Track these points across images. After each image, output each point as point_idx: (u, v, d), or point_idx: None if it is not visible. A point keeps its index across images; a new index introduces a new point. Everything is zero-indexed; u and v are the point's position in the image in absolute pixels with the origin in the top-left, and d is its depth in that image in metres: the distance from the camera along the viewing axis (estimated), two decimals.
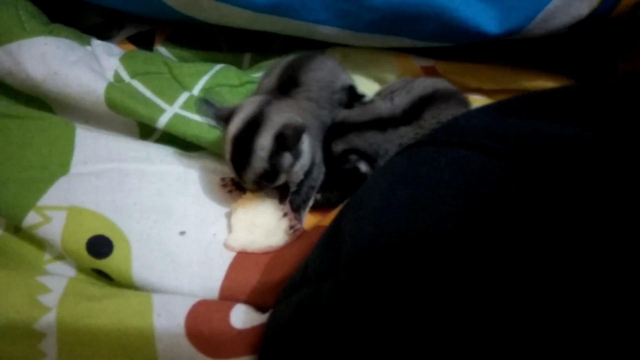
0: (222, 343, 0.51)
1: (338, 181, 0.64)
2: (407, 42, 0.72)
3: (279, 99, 0.59)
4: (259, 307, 0.55)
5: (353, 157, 0.61)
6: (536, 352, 0.27)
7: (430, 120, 0.62)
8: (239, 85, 0.74)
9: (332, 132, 0.64)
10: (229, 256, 0.60)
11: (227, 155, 0.57)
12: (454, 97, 0.65)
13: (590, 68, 0.81)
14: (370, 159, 0.61)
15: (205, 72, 0.74)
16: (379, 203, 0.39)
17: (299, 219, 0.61)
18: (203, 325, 0.52)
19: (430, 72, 0.76)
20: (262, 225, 0.61)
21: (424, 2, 0.64)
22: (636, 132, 0.34)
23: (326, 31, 0.71)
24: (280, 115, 0.57)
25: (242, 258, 0.60)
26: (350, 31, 0.70)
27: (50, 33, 0.69)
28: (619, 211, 0.29)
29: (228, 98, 0.72)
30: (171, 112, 0.67)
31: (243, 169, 0.56)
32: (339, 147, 0.63)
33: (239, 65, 0.82)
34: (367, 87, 0.77)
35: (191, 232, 0.61)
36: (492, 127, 0.38)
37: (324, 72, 0.63)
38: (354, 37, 0.72)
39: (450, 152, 0.38)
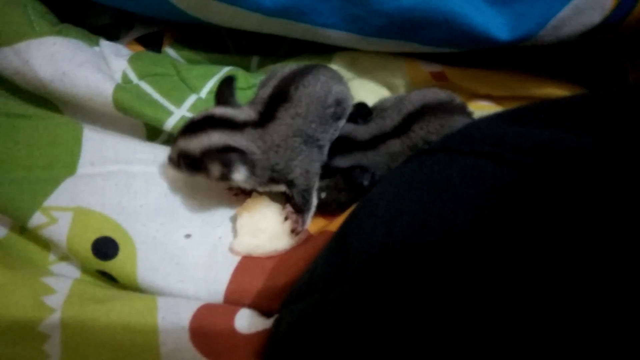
0: (226, 347, 0.51)
1: (344, 185, 0.64)
2: (416, 48, 0.71)
3: (262, 127, 0.59)
4: (264, 312, 0.55)
5: (357, 171, 0.62)
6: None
7: (419, 131, 0.62)
8: (247, 88, 0.74)
9: (337, 147, 0.64)
10: (235, 260, 0.60)
11: (191, 118, 0.60)
12: (443, 107, 0.65)
13: (600, 76, 0.81)
14: (373, 175, 0.62)
15: (213, 75, 0.74)
16: (387, 211, 0.39)
17: (301, 222, 0.61)
18: (207, 329, 0.52)
19: (439, 77, 0.76)
20: (267, 229, 0.61)
21: (433, 8, 0.64)
22: None
23: (335, 35, 0.70)
24: (246, 140, 0.58)
25: (248, 262, 0.60)
26: (359, 35, 0.70)
27: (59, 33, 0.69)
28: (633, 225, 0.29)
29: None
30: (179, 114, 0.67)
31: (187, 136, 0.57)
32: (345, 162, 0.63)
33: (247, 67, 0.82)
34: (376, 91, 0.77)
35: (197, 235, 0.61)
36: (504, 135, 0.37)
37: (316, 87, 0.62)
38: (362, 42, 0.71)
39: (462, 160, 0.37)
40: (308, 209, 0.62)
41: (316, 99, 0.62)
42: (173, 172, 0.65)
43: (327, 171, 0.64)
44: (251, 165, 0.58)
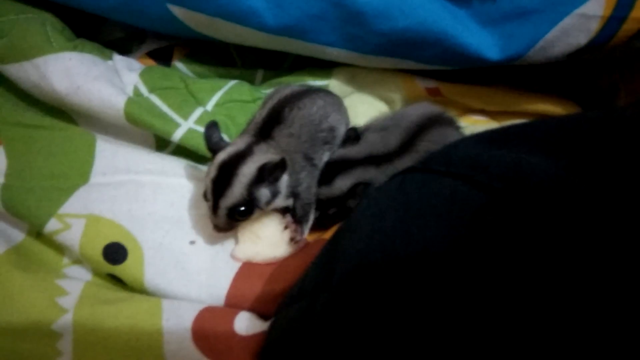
0: (225, 348, 0.54)
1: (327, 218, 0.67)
2: (412, 65, 0.74)
3: (264, 140, 0.62)
4: (263, 315, 0.58)
5: (361, 187, 0.63)
6: None
7: (424, 145, 0.64)
8: (251, 101, 0.77)
9: (332, 170, 0.65)
10: (235, 266, 0.63)
11: (209, 179, 0.58)
12: (439, 119, 0.67)
13: (592, 92, 0.83)
14: None
15: (219, 88, 0.78)
16: (370, 226, 0.42)
17: (300, 231, 0.64)
18: (208, 331, 0.55)
19: (434, 93, 0.79)
20: (266, 237, 0.64)
21: (427, 29, 0.67)
22: (617, 170, 0.36)
23: (334, 52, 0.74)
24: (265, 153, 0.60)
25: (248, 268, 0.63)
26: (357, 53, 0.73)
27: (74, 48, 0.73)
28: (588, 247, 0.31)
29: (240, 114, 0.75)
30: (186, 126, 0.71)
31: (222, 195, 0.58)
32: (345, 182, 0.64)
33: (251, 81, 0.85)
34: (374, 106, 0.80)
35: (201, 242, 0.64)
36: (477, 157, 0.40)
37: (311, 110, 0.65)
38: (360, 59, 0.74)
39: (438, 180, 0.41)
40: (307, 221, 0.66)
41: (310, 121, 0.65)
42: (179, 181, 0.68)
43: (329, 201, 0.65)
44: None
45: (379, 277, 0.37)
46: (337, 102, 0.71)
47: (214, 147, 0.62)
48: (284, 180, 0.61)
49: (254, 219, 0.64)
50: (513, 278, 0.32)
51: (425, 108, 0.70)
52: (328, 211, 0.66)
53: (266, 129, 0.64)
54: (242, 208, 0.58)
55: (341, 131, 0.70)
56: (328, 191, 0.65)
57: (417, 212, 0.39)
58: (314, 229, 0.67)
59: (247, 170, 0.58)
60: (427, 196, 0.40)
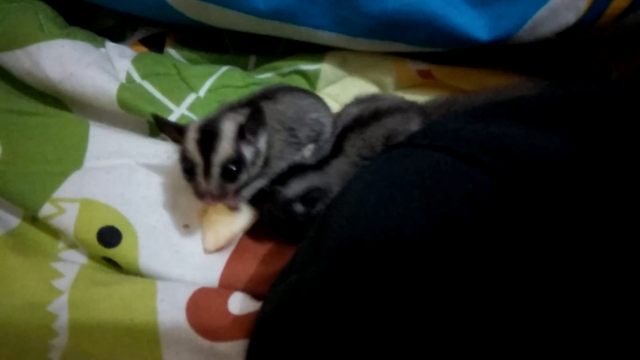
0: (219, 327, 0.55)
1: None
2: (402, 47, 0.74)
3: (240, 109, 0.61)
4: (256, 295, 0.59)
5: (315, 192, 0.62)
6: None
7: (350, 149, 0.65)
8: (244, 87, 0.78)
9: (290, 174, 0.63)
10: (229, 247, 0.64)
11: (194, 142, 0.55)
12: (358, 123, 0.67)
13: (584, 72, 0.83)
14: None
15: (211, 74, 0.78)
16: (356, 199, 0.42)
17: (238, 199, 0.62)
18: (203, 311, 0.56)
19: (426, 75, 0.79)
20: (218, 219, 0.63)
21: (417, 10, 0.67)
22: (604, 140, 0.36)
23: (325, 36, 0.74)
24: (242, 113, 0.59)
25: (242, 249, 0.64)
26: (347, 36, 0.73)
27: (67, 36, 0.73)
28: (562, 216, 0.32)
29: (233, 99, 0.76)
30: (178, 112, 0.71)
31: (212, 150, 0.55)
32: (301, 186, 0.62)
33: (244, 66, 0.85)
34: (366, 89, 0.80)
35: (194, 226, 0.65)
36: (461, 131, 0.41)
37: (303, 102, 0.66)
38: (351, 42, 0.75)
39: (421, 153, 0.41)
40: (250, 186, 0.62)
41: (299, 106, 0.65)
42: (173, 165, 0.69)
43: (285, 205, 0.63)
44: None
45: (364, 249, 0.38)
46: (329, 111, 0.72)
47: (179, 126, 0.59)
48: (263, 138, 0.59)
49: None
50: (495, 247, 0.33)
51: (347, 116, 0.70)
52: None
53: (252, 102, 0.64)
54: (233, 167, 0.56)
55: (327, 132, 0.69)
56: (283, 192, 0.62)
57: (400, 185, 0.40)
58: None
59: (229, 127, 0.57)
60: (409, 169, 0.41)
